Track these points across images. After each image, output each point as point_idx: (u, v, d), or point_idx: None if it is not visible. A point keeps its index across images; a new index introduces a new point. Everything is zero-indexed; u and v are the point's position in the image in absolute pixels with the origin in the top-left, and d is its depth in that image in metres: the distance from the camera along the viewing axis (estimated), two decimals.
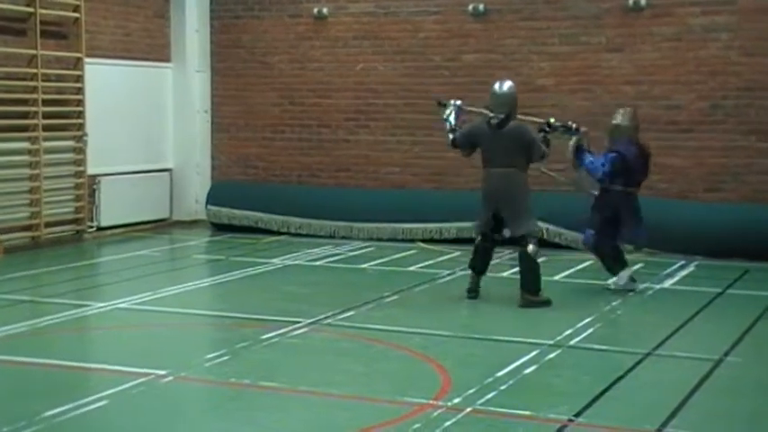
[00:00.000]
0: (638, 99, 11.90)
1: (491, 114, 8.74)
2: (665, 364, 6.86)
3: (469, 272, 9.03)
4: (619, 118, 9.25)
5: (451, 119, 9.07)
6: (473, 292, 8.92)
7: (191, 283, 9.80)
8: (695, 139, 11.78)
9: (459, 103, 9.19)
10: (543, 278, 8.78)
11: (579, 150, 9.07)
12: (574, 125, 9.03)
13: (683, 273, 10.30)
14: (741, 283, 9.75)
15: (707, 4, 11.68)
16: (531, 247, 8.67)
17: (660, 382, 6.41)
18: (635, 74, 12.00)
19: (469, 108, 9.29)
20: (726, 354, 7.02)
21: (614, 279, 9.28)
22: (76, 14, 12.32)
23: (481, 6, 12.60)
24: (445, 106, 9.20)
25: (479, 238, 9.02)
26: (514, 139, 8.66)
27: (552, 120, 8.97)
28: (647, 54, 11.96)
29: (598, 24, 12.15)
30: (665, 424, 5.51)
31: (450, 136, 9.06)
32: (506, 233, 8.78)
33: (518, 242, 8.78)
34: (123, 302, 8.75)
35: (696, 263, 10.79)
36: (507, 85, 8.80)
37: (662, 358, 6.97)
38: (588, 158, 9.05)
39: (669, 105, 11.87)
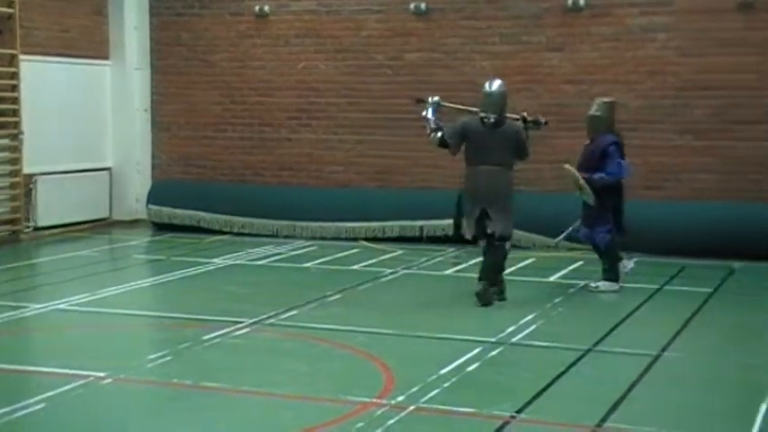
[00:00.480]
0: (578, 98, 12.02)
1: (483, 113, 8.75)
2: (605, 359, 6.95)
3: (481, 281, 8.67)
4: (596, 109, 9.25)
5: (430, 115, 8.99)
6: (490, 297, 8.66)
7: (131, 284, 9.68)
8: (635, 138, 11.92)
9: (437, 99, 9.11)
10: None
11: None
12: (543, 120, 9.06)
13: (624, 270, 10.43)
14: (678, 280, 9.92)
15: (645, 4, 11.85)
16: (508, 245, 8.86)
17: (601, 378, 6.49)
18: (575, 73, 12.13)
19: (447, 104, 9.28)
20: (664, 349, 7.14)
21: (601, 282, 9.22)
22: (11, 10, 12.07)
23: (423, 5, 12.64)
24: (424, 103, 9.12)
25: (474, 240, 8.91)
26: (509, 137, 8.76)
27: (525, 114, 9.01)
28: (586, 54, 12.10)
29: (538, 24, 12.26)
30: (605, 419, 5.58)
31: (437, 134, 8.89)
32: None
33: (493, 238, 8.74)
34: (62, 304, 8.60)
35: (635, 260, 10.92)
36: (497, 83, 8.87)
37: (602, 354, 7.06)
38: (598, 174, 9.02)
39: None
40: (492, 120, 8.72)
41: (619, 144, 9.14)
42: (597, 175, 8.99)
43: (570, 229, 9.64)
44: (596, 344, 7.28)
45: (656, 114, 11.84)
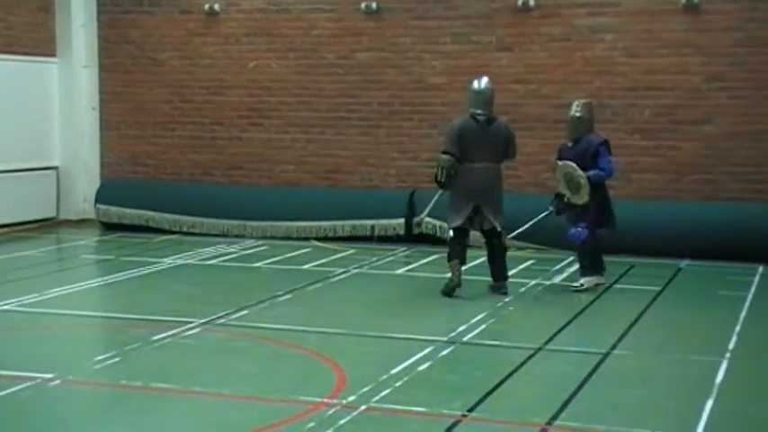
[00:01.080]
0: (526, 98, 12.14)
1: (478, 111, 8.91)
2: (555, 358, 7.01)
3: (454, 266, 8.82)
4: (578, 110, 9.21)
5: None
6: (458, 287, 8.83)
7: (79, 284, 9.55)
8: None
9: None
10: (431, 275, 8.86)
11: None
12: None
13: (572, 269, 10.52)
14: (627, 278, 10.04)
15: (593, 5, 11.97)
16: (504, 236, 9.08)
17: (551, 376, 6.54)
18: (524, 73, 12.22)
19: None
20: (613, 347, 7.22)
21: (583, 279, 9.19)
22: None
23: (374, 5, 12.64)
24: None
25: (454, 233, 8.94)
26: (501, 134, 8.99)
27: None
28: (535, 53, 12.19)
29: (488, 24, 12.32)
30: (555, 417, 5.63)
31: (451, 167, 8.78)
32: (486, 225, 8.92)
33: (491, 235, 8.97)
34: (8, 304, 8.46)
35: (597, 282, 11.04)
36: (485, 80, 9.08)
37: (552, 353, 7.12)
38: (594, 172, 9.01)
39: (558, 104, 12.12)
40: (485, 117, 8.91)
41: (608, 143, 9.22)
42: (593, 172, 9.00)
43: (531, 223, 9.60)
44: (546, 342, 7.34)
45: (604, 114, 11.96)
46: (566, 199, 9.11)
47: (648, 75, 11.81)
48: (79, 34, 13.62)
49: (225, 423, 5.55)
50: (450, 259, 8.92)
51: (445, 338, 7.39)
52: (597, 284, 9.25)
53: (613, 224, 9.32)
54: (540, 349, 7.15)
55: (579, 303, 8.72)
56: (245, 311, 8.27)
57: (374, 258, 11.03)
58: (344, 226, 12.27)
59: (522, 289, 9.38)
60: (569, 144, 9.26)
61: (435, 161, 9.04)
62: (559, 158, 9.26)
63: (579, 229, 9.07)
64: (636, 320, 8.13)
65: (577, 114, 9.21)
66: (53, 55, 13.59)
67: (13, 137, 12.94)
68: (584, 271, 9.23)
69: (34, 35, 13.31)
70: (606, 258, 10.25)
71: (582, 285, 9.14)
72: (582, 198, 9.01)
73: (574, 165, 9.00)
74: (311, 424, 5.45)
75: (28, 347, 7.30)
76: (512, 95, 12.11)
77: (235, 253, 11.44)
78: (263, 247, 11.84)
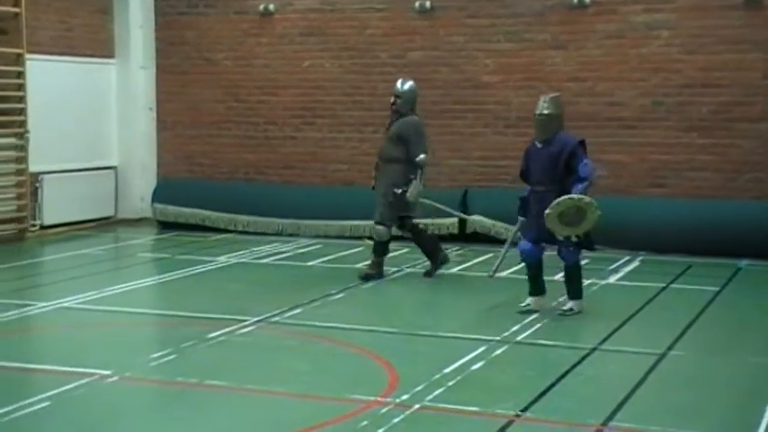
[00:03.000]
0: (580, 95, 12.04)
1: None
2: (610, 358, 6.95)
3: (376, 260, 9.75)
4: (546, 107, 8.21)
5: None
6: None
7: (136, 282, 9.69)
8: (638, 136, 11.94)
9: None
10: (483, 274, 8.79)
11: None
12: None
13: (628, 268, 10.43)
14: (684, 278, 9.91)
15: (649, 1, 11.83)
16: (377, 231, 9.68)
17: (605, 377, 6.48)
18: (578, 71, 12.12)
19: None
20: (670, 347, 7.13)
21: (572, 303, 8.22)
22: (16, 9, 12.09)
23: (427, 3, 12.63)
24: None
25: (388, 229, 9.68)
26: (398, 133, 9.60)
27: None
28: (590, 51, 12.09)
29: (542, 21, 12.24)
30: (609, 418, 5.58)
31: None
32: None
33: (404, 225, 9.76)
34: (67, 302, 8.61)
35: (641, 258, 10.94)
36: (408, 84, 9.85)
37: (607, 353, 7.05)
38: (580, 184, 7.97)
39: (612, 102, 12.01)
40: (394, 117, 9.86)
41: (584, 143, 8.17)
42: (581, 186, 7.89)
43: (506, 247, 8.51)
44: (601, 343, 7.27)
45: (659, 111, 11.83)
46: (573, 238, 7.94)
47: (705, 71, 11.64)
48: (137, 36, 13.82)
49: (278, 421, 5.59)
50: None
51: (498, 338, 7.36)
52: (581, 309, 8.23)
53: (591, 243, 8.33)
54: (594, 349, 7.08)
55: (635, 303, 8.62)
56: (298, 310, 8.32)
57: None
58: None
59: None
60: (539, 145, 8.20)
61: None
62: (526, 161, 8.25)
63: (571, 249, 8.04)
64: (693, 321, 8.02)
65: (546, 112, 8.15)
66: (111, 56, 13.80)
67: (73, 137, 13.17)
68: (574, 293, 8.19)
69: (93, 37, 13.53)
70: (663, 258, 10.16)
71: (572, 310, 8.13)
72: (590, 222, 7.89)
73: (561, 199, 7.78)
74: (364, 422, 5.47)
75: (86, 344, 7.42)
76: (565, 93, 11.95)
77: (289, 252, 11.51)
78: (316, 246, 11.90)
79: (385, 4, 12.90)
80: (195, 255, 11.27)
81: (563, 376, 6.41)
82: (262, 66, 13.51)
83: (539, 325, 7.82)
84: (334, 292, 9.07)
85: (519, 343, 7.29)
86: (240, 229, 12.92)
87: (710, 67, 11.61)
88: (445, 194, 12.29)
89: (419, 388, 6.05)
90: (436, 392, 6.00)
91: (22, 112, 12.26)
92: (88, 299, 8.73)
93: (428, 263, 9.90)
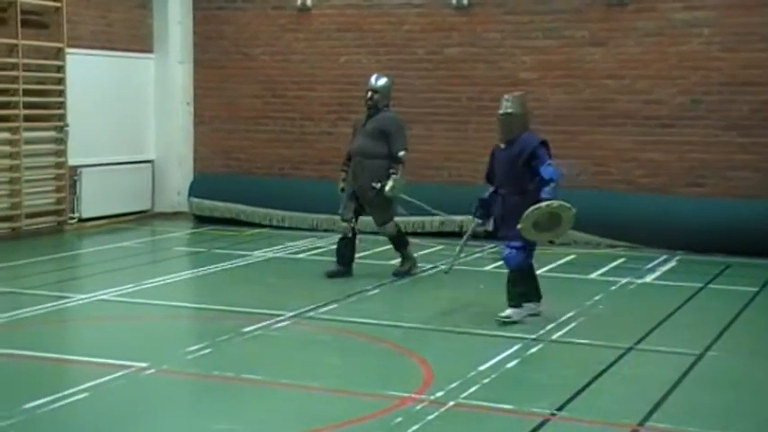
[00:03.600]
0: (618, 93, 11.96)
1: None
2: (646, 358, 6.89)
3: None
4: (509, 106, 7.77)
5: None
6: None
7: (172, 275, 9.77)
8: (677, 134, 11.83)
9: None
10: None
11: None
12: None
13: (665, 267, 10.34)
14: (722, 278, 9.81)
15: None
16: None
17: (642, 377, 6.43)
18: (617, 68, 12.03)
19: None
20: (707, 348, 7.06)
21: (509, 310, 7.67)
22: (57, 4, 12.22)
23: (465, 0, 12.60)
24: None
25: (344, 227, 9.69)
26: (377, 127, 9.50)
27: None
28: (629, 48, 11.99)
29: (581, 18, 12.16)
30: (646, 418, 5.54)
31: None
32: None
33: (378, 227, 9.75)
34: (105, 294, 8.70)
35: (678, 257, 10.84)
36: (383, 80, 9.74)
37: (644, 353, 7.00)
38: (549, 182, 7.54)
39: (650, 100, 11.91)
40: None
41: (546, 144, 7.71)
42: (547, 190, 7.45)
43: (464, 241, 8.23)
44: (638, 342, 7.22)
45: (698, 110, 11.71)
46: (550, 241, 7.65)
47: (745, 69, 11.50)
48: (175, 31, 13.91)
49: (312, 416, 5.60)
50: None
51: (533, 336, 7.33)
52: (531, 314, 7.79)
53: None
54: (630, 349, 7.03)
55: (672, 303, 8.54)
56: (333, 305, 8.34)
57: (462, 255, 10.95)
58: (433, 222, 12.25)
59: (613, 287, 9.24)
60: (502, 146, 7.83)
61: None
62: (491, 162, 7.93)
63: (513, 250, 7.63)
64: (731, 322, 7.94)
65: (509, 110, 7.74)
66: (150, 51, 13.90)
67: (111, 131, 13.29)
68: (514, 300, 7.69)
69: (132, 32, 13.64)
70: (701, 258, 10.04)
71: (510, 317, 7.61)
72: (568, 222, 7.53)
73: (527, 212, 7.36)
74: (399, 419, 5.47)
75: (123, 336, 7.49)
76: (603, 91, 11.95)
77: (324, 247, 11.54)
78: None
79: (422, 0, 12.88)
80: (231, 249, 11.33)
81: (599, 375, 6.37)
82: (299, 61, 13.54)
83: (574, 324, 7.77)
84: (369, 288, 9.08)
85: (554, 341, 7.25)
86: (275, 223, 12.97)
87: (751, 65, 11.47)
88: (481, 192, 12.26)
89: (454, 385, 6.05)
90: (471, 390, 5.99)
91: (62, 105, 12.40)
92: (125, 291, 8.81)
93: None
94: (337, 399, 5.90)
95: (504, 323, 7.63)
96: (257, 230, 12.76)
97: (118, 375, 6.21)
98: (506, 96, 7.95)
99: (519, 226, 7.43)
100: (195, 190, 13.59)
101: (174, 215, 13.86)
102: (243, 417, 5.58)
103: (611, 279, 9.59)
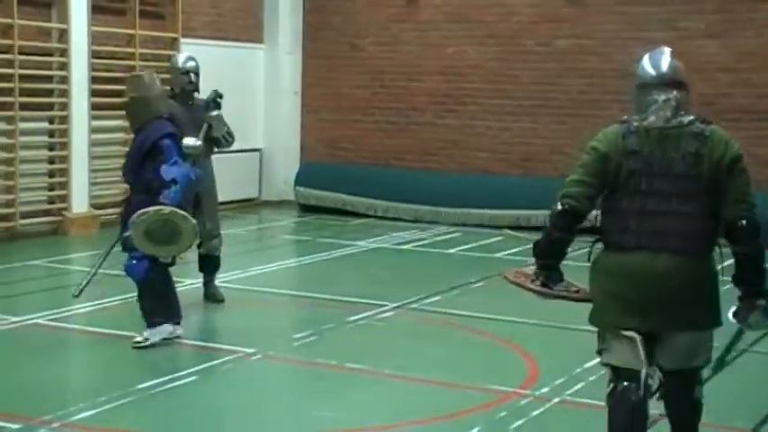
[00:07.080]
0: (734, 87, 11.60)
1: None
2: (763, 362, 6.66)
3: None
4: (132, 89, 6.64)
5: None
6: None
7: (279, 263, 9.91)
8: None
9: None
10: None
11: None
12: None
13: None
14: None
15: None
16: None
17: (755, 380, 6.23)
18: (734, 61, 11.67)
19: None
20: None
21: (152, 331, 6.55)
22: None
23: None
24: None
25: None
26: None
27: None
28: (747, 41, 11.61)
29: (697, 9, 11.83)
30: (763, 423, 5.37)
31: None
32: None
33: None
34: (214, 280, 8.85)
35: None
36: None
37: (758, 354, 6.77)
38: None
39: (766, 94, 11.51)
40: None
41: (175, 136, 6.60)
42: (166, 193, 6.31)
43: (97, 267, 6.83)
44: (752, 345, 6.98)
45: None
46: (179, 258, 6.59)
47: None
48: (285, 21, 14.08)
49: (414, 407, 5.60)
50: None
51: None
52: (172, 337, 6.66)
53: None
54: (744, 351, 6.79)
55: None
56: (437, 297, 8.33)
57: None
58: (538, 215, 12.09)
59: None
60: (134, 136, 6.72)
61: None
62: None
63: (135, 261, 6.48)
64: None
65: (133, 95, 6.56)
66: (260, 41, 14.11)
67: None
68: (149, 319, 6.57)
69: (242, 22, 13.86)
70: None
71: (146, 340, 6.52)
72: (190, 235, 6.37)
73: (133, 218, 6.27)
74: (503, 413, 5.43)
75: (232, 323, 7.63)
76: (716, 85, 11.59)
77: (428, 238, 11.54)
78: (455, 234, 11.88)
79: None
80: (336, 238, 11.43)
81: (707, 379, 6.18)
82: (406, 52, 13.55)
83: None
84: (474, 280, 9.04)
85: None
86: (379, 214, 13.02)
87: None
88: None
89: (559, 381, 5.97)
90: (577, 387, 5.90)
91: None
92: (233, 278, 8.97)
93: None
94: (440, 391, 5.89)
95: (139, 347, 6.49)
96: (361, 221, 12.84)
97: (226, 359, 6.33)
98: (128, 78, 6.89)
99: (127, 233, 6.34)
100: (301, 179, 13.75)
101: (280, 203, 14.05)
102: (346, 404, 5.63)
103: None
